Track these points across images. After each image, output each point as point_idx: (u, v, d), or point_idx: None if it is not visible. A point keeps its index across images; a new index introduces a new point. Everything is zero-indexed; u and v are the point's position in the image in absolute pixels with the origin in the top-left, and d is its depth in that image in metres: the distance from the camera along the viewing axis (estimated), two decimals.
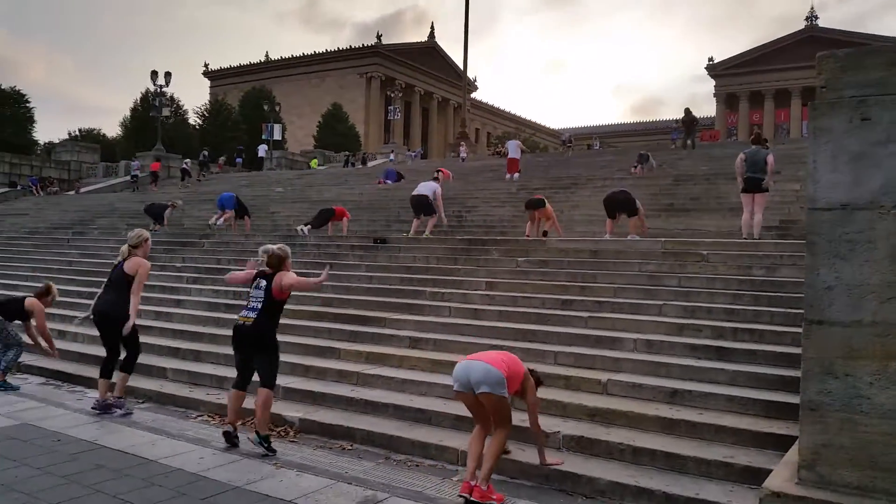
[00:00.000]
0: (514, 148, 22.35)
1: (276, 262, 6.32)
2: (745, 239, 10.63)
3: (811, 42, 70.62)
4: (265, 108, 45.45)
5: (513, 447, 5.72)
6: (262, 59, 79.54)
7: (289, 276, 6.28)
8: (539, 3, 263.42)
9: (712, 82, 78.68)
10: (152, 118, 39.57)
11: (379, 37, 73.32)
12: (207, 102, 56.52)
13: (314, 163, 41.80)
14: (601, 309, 8.50)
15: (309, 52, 77.29)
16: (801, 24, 74.67)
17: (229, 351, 8.66)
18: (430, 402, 6.84)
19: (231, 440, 6.14)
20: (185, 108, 50.05)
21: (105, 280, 7.63)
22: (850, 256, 3.93)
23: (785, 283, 8.52)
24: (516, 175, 21.38)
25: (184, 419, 7.27)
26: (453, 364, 7.45)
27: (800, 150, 20.48)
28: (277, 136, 43.79)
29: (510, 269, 10.53)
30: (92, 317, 7.36)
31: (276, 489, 5.14)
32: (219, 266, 13.19)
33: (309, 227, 14.95)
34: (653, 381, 6.57)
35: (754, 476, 5.02)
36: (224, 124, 48.96)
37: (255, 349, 6.19)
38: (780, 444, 5.33)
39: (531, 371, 5.53)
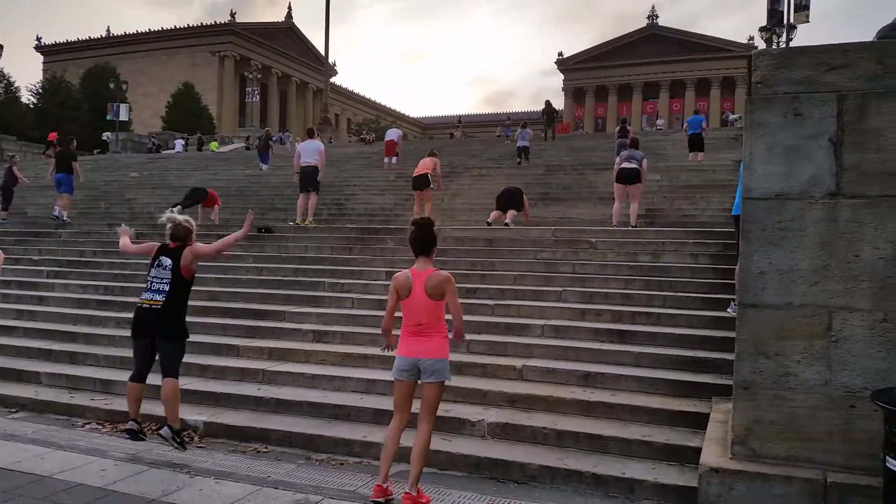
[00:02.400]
0: (394, 136, 22.27)
1: (183, 235, 5.79)
2: (615, 227, 11.22)
3: (652, 40, 75.86)
4: (111, 86, 42.03)
5: (438, 438, 5.67)
6: (104, 34, 73.64)
7: (199, 246, 5.82)
8: None
9: (560, 76, 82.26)
10: None
11: (233, 14, 70.07)
12: (43, 79, 51.44)
13: (214, 145, 39.49)
14: (504, 296, 8.64)
15: (156, 28, 72.53)
16: (642, 23, 79.76)
17: (110, 352, 8.11)
18: (347, 398, 6.65)
19: (137, 437, 5.68)
20: (16, 84, 45.29)
21: None
22: (783, 243, 4.23)
23: (671, 269, 9.08)
24: (394, 159, 21.28)
25: (70, 428, 6.60)
26: (364, 357, 7.43)
27: (651, 142, 21.88)
28: (124, 116, 40.75)
29: (408, 259, 10.30)
30: None
31: (198, 499, 4.79)
32: (82, 259, 12.11)
33: (179, 207, 14.01)
34: (565, 366, 6.78)
35: (673, 453, 5.33)
36: (63, 103, 44.74)
37: (162, 335, 5.66)
38: (692, 421, 5.69)
39: (427, 249, 4.88)
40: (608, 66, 77.32)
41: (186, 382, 7.11)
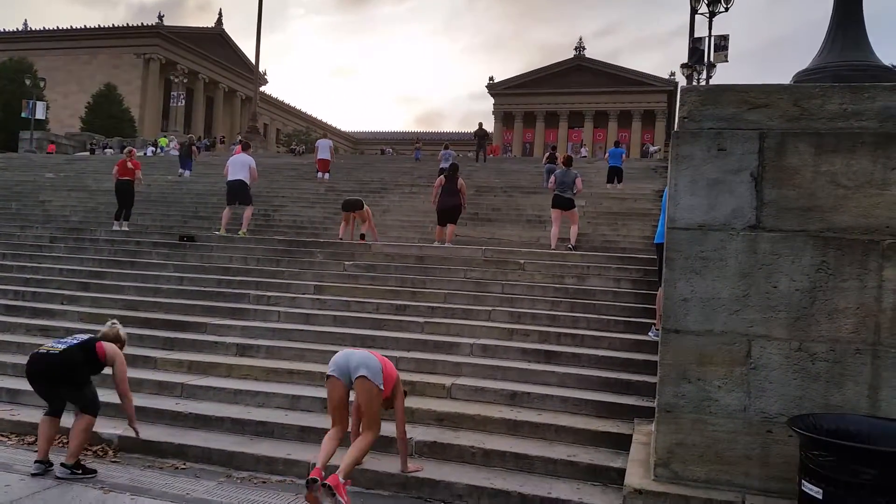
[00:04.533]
0: (325, 148, 22.00)
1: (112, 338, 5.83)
2: (554, 250, 11.45)
3: (579, 70, 78.19)
4: (27, 82, 40.01)
5: (367, 458, 5.62)
6: (20, 27, 70.17)
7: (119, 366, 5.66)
8: (329, 5, 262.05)
9: (489, 101, 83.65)
10: None
11: (161, 17, 68.10)
12: None
13: (163, 141, 37.97)
14: (434, 314, 8.65)
15: (78, 25, 69.65)
16: (567, 54, 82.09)
17: (18, 360, 7.65)
18: (271, 414, 6.49)
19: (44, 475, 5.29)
20: None
21: None
22: (705, 272, 4.41)
23: (595, 292, 9.32)
24: (327, 175, 21.08)
25: None
26: (289, 372, 7.30)
27: (575, 169, 22.42)
28: (40, 114, 38.84)
29: (338, 273, 10.33)
30: None
31: None
32: None
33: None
34: (493, 384, 6.83)
35: (597, 473, 5.44)
36: None
37: (61, 383, 5.42)
38: (614, 442, 5.83)
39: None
40: (537, 94, 79.08)
41: (101, 394, 6.77)
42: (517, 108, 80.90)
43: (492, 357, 7.52)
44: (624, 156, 20.64)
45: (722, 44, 29.89)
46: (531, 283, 9.72)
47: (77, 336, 5.75)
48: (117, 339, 5.86)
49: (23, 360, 7.47)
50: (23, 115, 38.04)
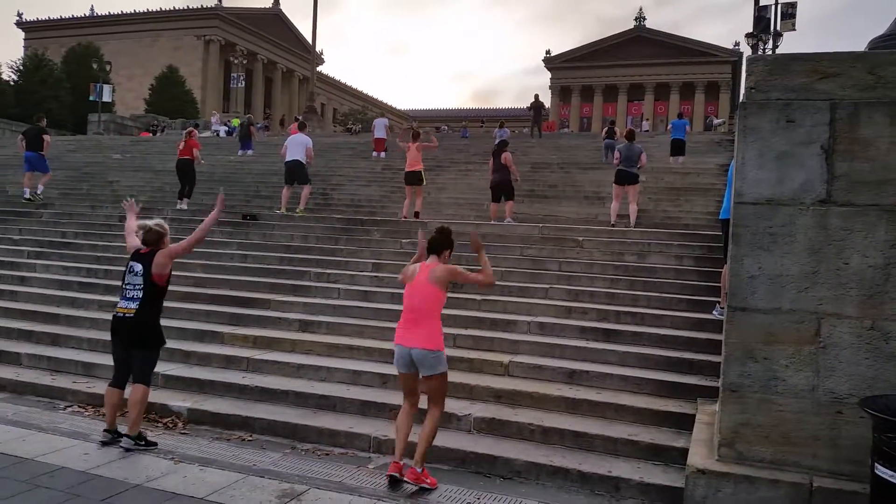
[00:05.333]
0: (381, 127, 22.10)
1: (155, 239, 5.61)
2: (612, 226, 11.28)
3: (639, 42, 76.18)
4: (94, 66, 41.33)
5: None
6: (88, 12, 72.36)
7: (172, 246, 5.64)
8: None
9: (545, 75, 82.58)
10: None
11: None
12: (24, 57, 50.46)
13: (236, 121, 38.94)
14: (491, 292, 8.60)
15: (141, 9, 71.40)
16: (626, 25, 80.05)
17: (92, 335, 8.02)
18: (333, 388, 6.64)
19: (112, 444, 5.47)
20: None
21: None
22: (773, 248, 4.28)
23: (656, 269, 9.16)
24: (383, 154, 21.19)
25: (52, 410, 6.53)
26: (349, 348, 7.43)
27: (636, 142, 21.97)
28: (107, 97, 40.07)
29: (395, 251, 10.44)
30: None
31: (182, 486, 4.76)
32: (64, 240, 11.94)
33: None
34: (551, 363, 6.82)
35: (658, 453, 5.39)
36: (45, 82, 43.93)
37: (134, 344, 5.46)
38: (676, 421, 5.76)
39: (439, 240, 5.31)
40: (595, 67, 77.50)
41: (170, 368, 7.09)
42: (574, 81, 79.50)
43: (549, 335, 7.50)
44: (687, 128, 20.07)
45: (789, 11, 28.71)
46: (589, 260, 9.62)
47: (136, 281, 5.48)
48: (160, 238, 5.64)
49: (96, 335, 7.92)
50: (91, 98, 39.28)
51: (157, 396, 6.59)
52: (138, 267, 5.48)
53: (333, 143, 27.06)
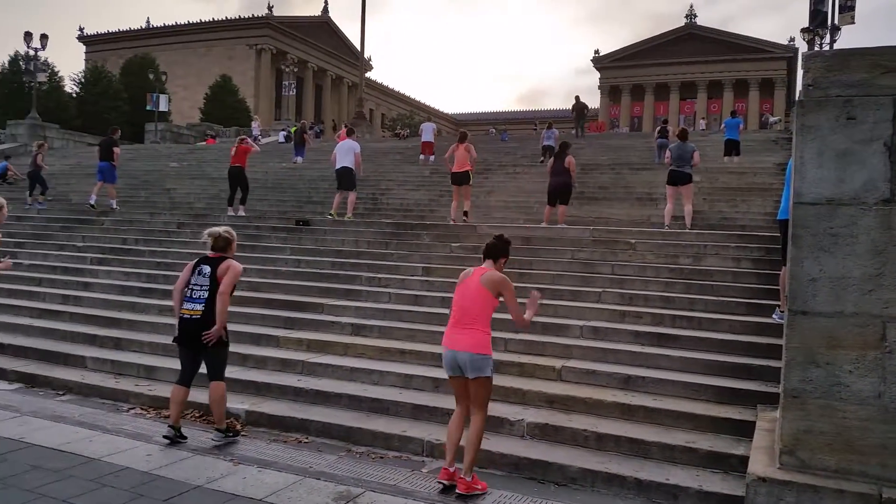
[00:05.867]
0: (429, 131, 22.24)
1: (224, 245, 5.90)
2: (667, 229, 11.09)
3: (690, 39, 74.79)
4: (151, 77, 42.61)
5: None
6: (144, 25, 74.71)
7: (235, 269, 5.80)
8: None
9: (593, 75, 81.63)
10: (24, 84, 36.20)
11: (270, 8, 70.60)
12: (85, 69, 52.37)
13: (294, 129, 39.89)
14: (542, 296, 8.58)
15: (194, 20, 73.35)
16: (676, 23, 78.51)
17: (153, 338, 8.26)
18: (385, 392, 6.69)
19: (175, 441, 5.70)
20: (60, 74, 46.23)
21: None
22: (834, 250, 4.15)
23: (712, 272, 8.97)
24: (431, 157, 21.31)
25: (115, 412, 6.76)
26: (401, 352, 7.47)
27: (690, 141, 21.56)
28: (164, 107, 41.19)
29: (445, 255, 10.48)
30: None
31: (241, 487, 4.86)
32: (125, 246, 12.34)
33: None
34: (605, 368, 6.74)
35: (717, 460, 5.27)
36: (104, 93, 45.52)
37: (204, 344, 5.71)
38: (736, 428, 5.62)
39: (495, 246, 5.32)
40: (645, 65, 76.40)
41: (228, 371, 7.14)
42: (624, 81, 78.51)
43: (602, 339, 7.41)
44: (741, 127, 19.59)
45: (848, 3, 27.72)
46: (643, 263, 9.48)
47: (203, 282, 5.73)
48: (228, 244, 5.91)
49: (157, 338, 8.17)
50: (147, 108, 40.46)
51: None
52: (206, 269, 5.74)
53: (381, 149, 27.35)
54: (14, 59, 42.76)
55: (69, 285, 10.52)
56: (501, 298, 5.11)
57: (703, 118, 59.29)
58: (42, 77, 35.22)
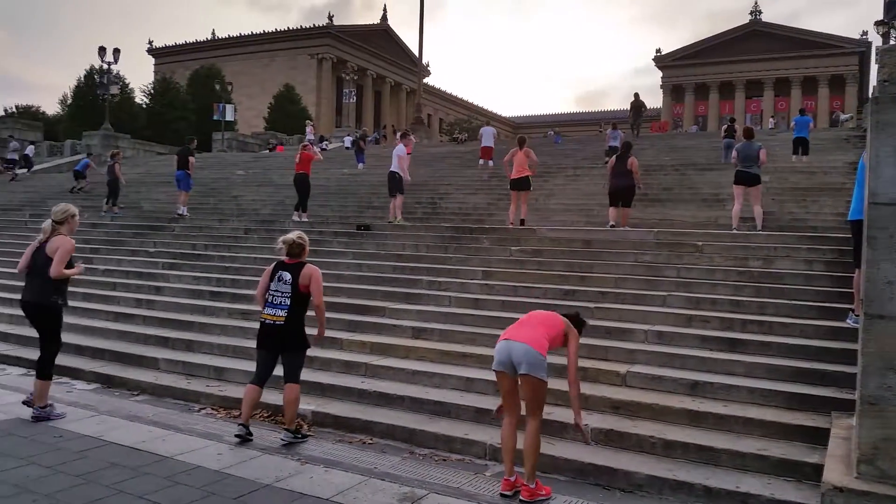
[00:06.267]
0: (488, 135, 22.27)
1: (299, 251, 6.08)
2: (735, 230, 10.79)
3: (755, 36, 72.73)
4: (216, 87, 43.96)
5: (542, 441, 5.66)
6: (209, 37, 77.15)
7: (318, 279, 5.99)
8: None
9: (655, 75, 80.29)
10: (98, 96, 37.86)
11: (331, 17, 71.95)
12: (154, 81, 54.44)
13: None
14: (604, 299, 8.50)
15: (258, 31, 75.35)
16: (736, 21, 76.42)
17: (222, 341, 8.51)
18: (447, 395, 6.72)
19: (245, 440, 5.87)
20: (130, 86, 48.12)
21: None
22: None
23: (783, 275, 8.69)
24: (490, 162, 21.33)
25: (187, 412, 6.98)
26: (462, 355, 7.48)
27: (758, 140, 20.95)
28: (230, 116, 42.48)
29: (504, 259, 10.46)
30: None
31: (309, 487, 4.96)
32: (194, 252, 12.75)
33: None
34: (671, 373, 6.60)
35: (790, 469, 5.10)
36: (172, 103, 47.23)
37: (286, 349, 5.97)
38: (809, 436, 5.44)
39: (573, 316, 5.38)
40: (709, 63, 74.65)
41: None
42: (687, 80, 76.90)
43: (668, 344, 7.27)
44: (811, 125, 18.90)
45: None
46: (710, 266, 9.24)
47: (284, 289, 5.90)
48: (303, 249, 6.08)
49: (227, 340, 8.42)
50: (214, 117, 41.74)
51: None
52: (287, 276, 5.90)
53: (439, 153, 27.47)
54: (89, 74, 44.77)
55: (142, 289, 10.94)
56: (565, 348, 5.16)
57: (771, 117, 57.46)
58: (115, 90, 36.78)
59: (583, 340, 7.33)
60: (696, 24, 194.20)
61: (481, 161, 21.76)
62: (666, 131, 50.38)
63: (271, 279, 5.99)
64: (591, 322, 7.86)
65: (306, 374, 7.38)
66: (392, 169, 13.73)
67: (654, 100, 77.28)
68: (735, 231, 10.75)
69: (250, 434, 5.91)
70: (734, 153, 11.75)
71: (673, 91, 78.42)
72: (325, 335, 8.24)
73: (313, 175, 15.64)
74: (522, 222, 12.67)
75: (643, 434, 5.66)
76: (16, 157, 28.37)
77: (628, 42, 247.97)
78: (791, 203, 13.25)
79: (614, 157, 12.55)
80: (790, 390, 6.09)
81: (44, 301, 6.30)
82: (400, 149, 14.08)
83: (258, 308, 6.23)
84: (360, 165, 23.65)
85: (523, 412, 5.01)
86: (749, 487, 4.91)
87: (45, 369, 6.36)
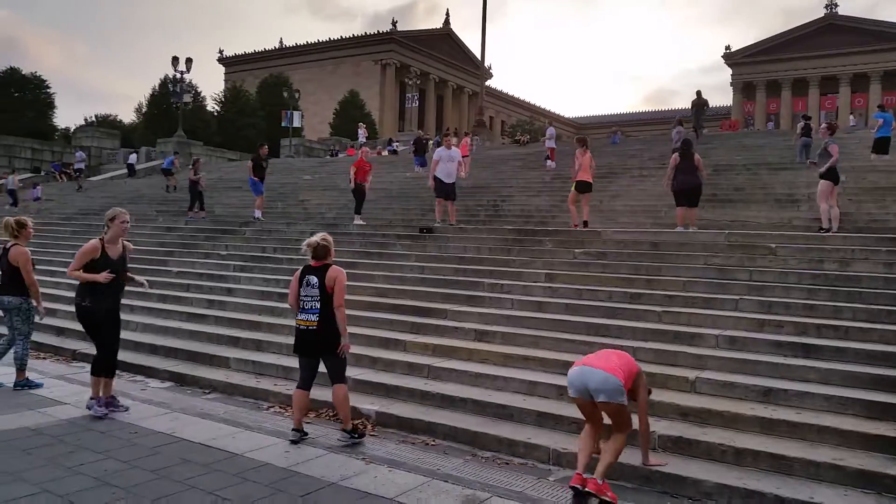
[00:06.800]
0: (552, 136, 22.22)
1: (323, 253, 6.01)
2: (821, 232, 10.32)
3: (831, 30, 69.88)
4: (284, 94, 45.08)
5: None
6: (277, 45, 79.11)
7: (341, 280, 5.92)
8: None
9: (724, 72, 78.07)
10: (172, 104, 39.34)
11: (394, 23, 72.75)
12: (225, 89, 56.21)
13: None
14: (672, 303, 8.30)
15: (324, 38, 76.87)
16: (808, 16, 73.60)
17: (290, 341, 8.53)
18: (510, 398, 6.68)
19: (298, 442, 5.93)
20: (202, 94, 49.89)
21: None
22: None
23: (861, 278, 8.33)
24: (554, 163, 21.24)
25: (256, 410, 7.16)
26: (524, 358, 7.43)
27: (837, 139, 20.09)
28: (297, 123, 43.47)
29: (568, 261, 10.34)
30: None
31: (373, 486, 5.01)
32: (264, 255, 13.08)
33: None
34: (743, 379, 6.39)
35: (868, 480, 4.89)
36: (242, 111, 48.68)
37: (323, 352, 5.98)
38: (890, 446, 5.20)
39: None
40: (781, 60, 72.15)
41: (359, 373, 7.53)
42: (759, 77, 74.52)
43: (740, 350, 7.03)
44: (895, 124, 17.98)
45: None
46: (784, 269, 8.91)
47: (313, 293, 5.87)
48: (328, 251, 6.00)
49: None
50: (282, 124, 42.81)
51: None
52: (314, 280, 5.90)
53: (502, 156, 27.40)
54: (164, 83, 46.56)
55: (214, 291, 11.30)
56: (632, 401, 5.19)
57: (850, 114, 55.06)
58: (188, 98, 38.14)
59: (650, 345, 7.28)
60: (768, 20, 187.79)
61: (547, 162, 21.71)
62: (736, 130, 48.87)
63: (300, 284, 5.98)
64: (659, 326, 7.80)
65: (371, 375, 7.52)
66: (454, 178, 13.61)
67: (724, 98, 75.26)
68: (808, 233, 10.28)
69: (304, 436, 6.01)
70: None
71: (744, 89, 76.14)
72: (389, 336, 8.40)
73: (378, 178, 15.76)
74: (586, 224, 12.48)
75: (713, 442, 5.50)
76: (82, 166, 29.62)
77: (696, 39, 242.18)
78: (870, 203, 12.65)
79: (677, 154, 12.10)
80: (869, 398, 5.81)
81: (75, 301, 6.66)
82: (455, 153, 13.97)
83: None
84: (419, 169, 23.77)
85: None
86: (824, 498, 4.72)
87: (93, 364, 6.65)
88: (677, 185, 11.64)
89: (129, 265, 6.89)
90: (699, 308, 8.09)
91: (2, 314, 7.73)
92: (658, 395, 6.25)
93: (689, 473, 5.18)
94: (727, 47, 77.41)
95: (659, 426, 5.80)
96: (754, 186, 15.20)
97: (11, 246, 7.43)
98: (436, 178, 13.57)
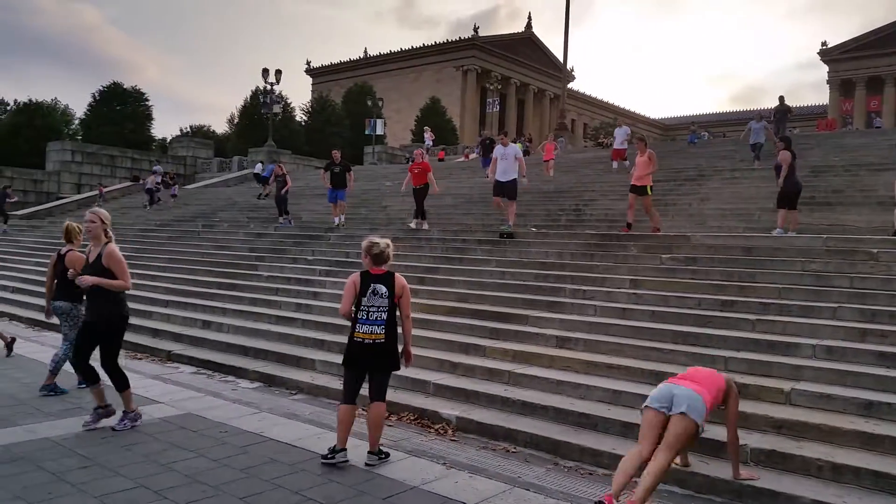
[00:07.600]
0: (621, 137, 22.07)
1: (386, 259, 5.50)
2: None
3: None
4: (368, 103, 46.00)
5: (694, 460, 5.41)
6: (361, 55, 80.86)
7: (408, 292, 5.56)
8: None
9: (819, 69, 74.39)
10: (262, 115, 40.76)
11: (476, 29, 73.13)
12: (312, 99, 57.89)
13: (520, 144, 41.43)
14: (767, 311, 7.94)
15: (406, 47, 78.02)
16: None
17: None
18: (593, 407, 6.55)
19: (330, 464, 5.44)
20: (291, 105, 51.51)
21: None
22: None
23: None
24: (616, 164, 21.15)
25: None
26: (607, 366, 7.28)
27: None
28: (380, 130, 44.22)
29: (654, 267, 10.06)
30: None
31: (453, 491, 5.00)
32: (347, 259, 13.33)
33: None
34: (842, 392, 6.05)
35: None
36: (329, 120, 49.97)
37: (380, 367, 5.50)
38: None
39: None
40: (883, 55, 68.16)
41: (440, 378, 7.58)
42: (858, 73, 70.64)
43: (839, 360, 6.65)
44: None
45: None
46: (887, 275, 8.38)
47: (381, 303, 5.39)
48: (389, 258, 5.50)
49: None
50: (366, 132, 43.68)
51: (429, 403, 7.10)
52: (382, 289, 5.38)
53: (584, 159, 27.03)
54: (254, 94, 48.35)
55: (301, 294, 11.60)
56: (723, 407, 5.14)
57: None
58: (277, 108, 39.39)
59: (742, 355, 7.00)
60: (866, 12, 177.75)
61: (614, 164, 21.40)
62: (834, 130, 46.44)
63: (363, 293, 5.39)
64: (752, 336, 7.48)
65: (451, 381, 7.54)
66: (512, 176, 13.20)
67: (818, 96, 71.54)
68: None
69: (346, 458, 5.46)
70: None
71: (841, 86, 72.37)
72: (469, 342, 8.39)
73: (458, 183, 15.80)
74: (656, 230, 12.02)
75: (809, 456, 5.22)
76: (158, 179, 30.86)
77: (789, 35, 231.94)
78: None
79: (789, 153, 11.39)
80: None
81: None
82: (510, 150, 13.55)
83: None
84: (486, 171, 23.67)
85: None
86: None
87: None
88: (792, 187, 11.08)
89: (129, 269, 6.40)
90: (795, 316, 7.70)
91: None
92: (751, 407, 6.00)
93: (782, 488, 4.94)
94: (823, 43, 73.90)
95: (751, 439, 5.56)
96: (854, 188, 14.42)
97: (67, 251, 7.48)
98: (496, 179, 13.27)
